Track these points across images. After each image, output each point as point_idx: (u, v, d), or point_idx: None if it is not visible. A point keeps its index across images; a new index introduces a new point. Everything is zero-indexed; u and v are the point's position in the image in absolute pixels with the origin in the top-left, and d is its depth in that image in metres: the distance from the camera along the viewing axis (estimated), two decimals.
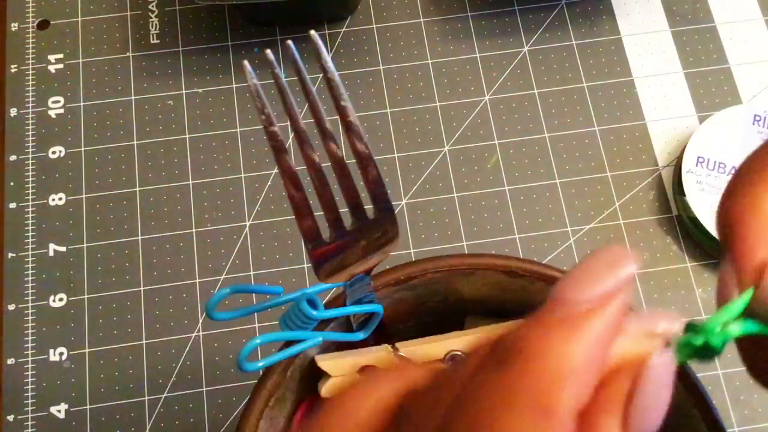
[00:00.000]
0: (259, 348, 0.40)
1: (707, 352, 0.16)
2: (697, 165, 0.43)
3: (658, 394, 0.15)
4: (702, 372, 0.41)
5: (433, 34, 0.49)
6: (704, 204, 0.42)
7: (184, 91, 0.47)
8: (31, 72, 0.47)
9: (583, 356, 0.15)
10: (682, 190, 0.43)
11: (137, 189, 0.45)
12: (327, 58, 0.26)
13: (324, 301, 0.29)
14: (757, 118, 0.44)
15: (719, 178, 0.43)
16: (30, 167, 0.45)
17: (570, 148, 0.46)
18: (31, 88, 0.47)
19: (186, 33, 0.48)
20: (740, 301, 0.16)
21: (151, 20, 0.49)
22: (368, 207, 0.27)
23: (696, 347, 0.16)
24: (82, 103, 0.46)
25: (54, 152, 0.45)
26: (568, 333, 0.15)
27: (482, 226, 0.44)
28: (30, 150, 0.45)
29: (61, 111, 0.46)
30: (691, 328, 0.16)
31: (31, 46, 0.48)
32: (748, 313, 0.16)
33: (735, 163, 0.43)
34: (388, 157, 0.45)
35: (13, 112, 0.46)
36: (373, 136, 0.46)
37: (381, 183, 0.26)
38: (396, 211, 0.44)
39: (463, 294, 0.33)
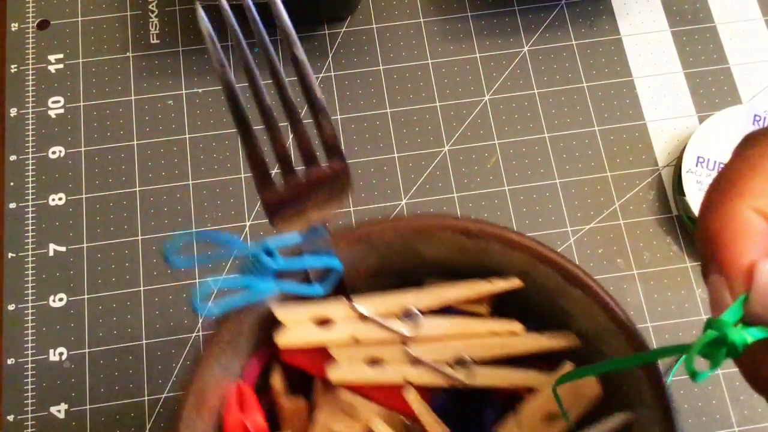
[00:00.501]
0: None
1: (726, 350, 0.16)
2: (697, 165, 0.43)
3: None
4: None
5: (433, 34, 0.49)
6: None
7: (184, 91, 0.47)
8: (31, 72, 0.47)
9: None
10: (682, 190, 0.43)
11: (137, 189, 0.45)
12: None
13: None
14: (757, 118, 0.44)
15: None
16: (30, 167, 0.45)
17: (570, 148, 0.46)
18: (31, 88, 0.47)
19: (186, 33, 0.48)
20: (737, 308, 0.17)
21: (151, 20, 0.49)
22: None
23: (714, 344, 0.17)
24: (82, 103, 0.46)
25: (54, 152, 0.45)
26: None
27: None
28: (30, 150, 0.45)
29: (61, 111, 0.46)
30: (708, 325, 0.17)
31: (31, 46, 0.48)
32: (746, 321, 0.17)
33: None
34: (388, 157, 0.45)
35: (13, 112, 0.46)
36: (373, 136, 0.46)
37: (334, 134, 0.27)
38: (396, 212, 0.44)
39: (425, 256, 0.33)
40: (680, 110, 0.47)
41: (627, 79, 0.48)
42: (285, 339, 0.31)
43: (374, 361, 0.32)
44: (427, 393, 0.32)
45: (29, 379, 0.41)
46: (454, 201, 0.45)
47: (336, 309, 0.32)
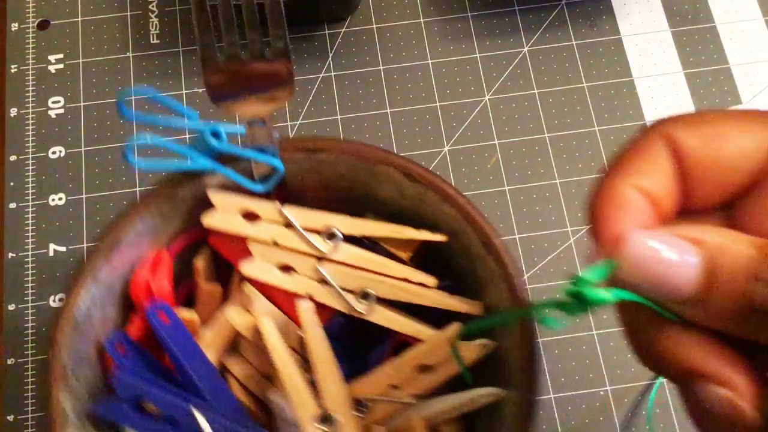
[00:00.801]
0: None
1: (580, 304, 0.19)
2: None
3: None
4: None
5: (433, 34, 0.49)
6: None
7: (184, 91, 0.47)
8: (31, 72, 0.47)
9: None
10: None
11: (137, 189, 0.45)
12: None
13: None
14: None
15: None
16: (30, 167, 0.45)
17: (570, 148, 0.46)
18: (31, 88, 0.47)
19: (186, 33, 0.48)
20: (602, 266, 0.19)
21: (151, 20, 0.49)
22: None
23: (572, 298, 0.19)
24: (82, 103, 0.46)
25: (54, 152, 0.45)
26: None
27: None
28: (30, 150, 0.45)
29: (61, 111, 0.46)
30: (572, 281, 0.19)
31: (31, 46, 0.48)
32: (618, 284, 0.19)
33: None
34: None
35: (13, 112, 0.46)
36: (373, 136, 0.46)
37: (282, 23, 0.28)
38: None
39: (368, 189, 0.34)
40: (680, 110, 0.47)
41: (627, 79, 0.48)
42: (211, 220, 0.33)
43: (286, 268, 0.33)
44: (326, 313, 0.33)
45: (29, 379, 0.41)
46: None
47: (266, 208, 0.33)
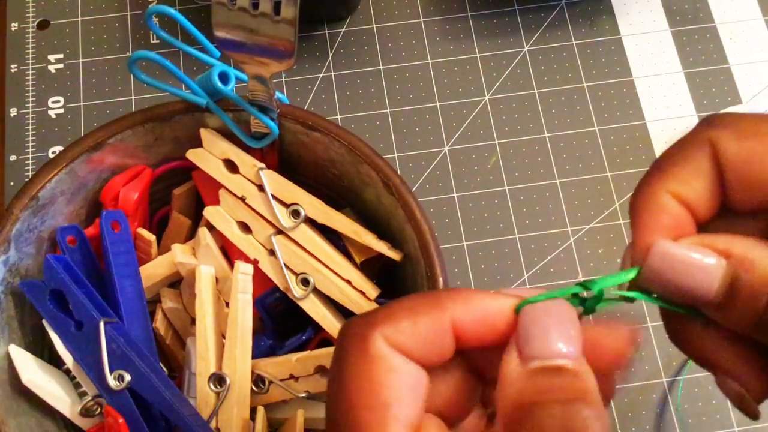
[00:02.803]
0: None
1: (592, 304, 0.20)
2: None
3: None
4: (703, 372, 0.41)
5: (433, 34, 0.49)
6: None
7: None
8: (31, 72, 0.47)
9: None
10: None
11: None
12: None
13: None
14: None
15: None
16: (30, 167, 0.45)
17: (570, 148, 0.46)
18: (31, 88, 0.47)
19: (186, 33, 0.48)
20: (627, 273, 0.20)
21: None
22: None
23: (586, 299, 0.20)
24: (82, 103, 0.46)
25: (54, 152, 0.45)
26: None
27: (482, 226, 0.44)
28: (30, 150, 0.45)
29: (61, 111, 0.46)
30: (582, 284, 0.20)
31: (31, 46, 0.48)
32: (636, 287, 0.20)
33: None
34: (388, 156, 0.45)
35: (13, 112, 0.46)
36: (373, 136, 0.46)
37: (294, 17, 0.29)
38: None
39: (354, 185, 0.35)
40: (680, 110, 0.47)
41: (627, 79, 0.48)
42: (193, 155, 0.34)
43: (245, 227, 0.34)
44: (265, 284, 0.34)
45: None
46: (454, 201, 0.45)
47: (247, 164, 0.34)
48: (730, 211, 0.21)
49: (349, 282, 0.33)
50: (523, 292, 0.19)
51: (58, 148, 0.45)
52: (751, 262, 0.19)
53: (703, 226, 0.21)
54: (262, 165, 0.33)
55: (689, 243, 0.19)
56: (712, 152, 0.20)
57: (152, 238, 0.35)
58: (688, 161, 0.20)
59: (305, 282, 0.33)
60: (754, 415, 0.20)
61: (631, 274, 0.20)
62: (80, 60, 0.48)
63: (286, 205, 0.33)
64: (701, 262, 0.19)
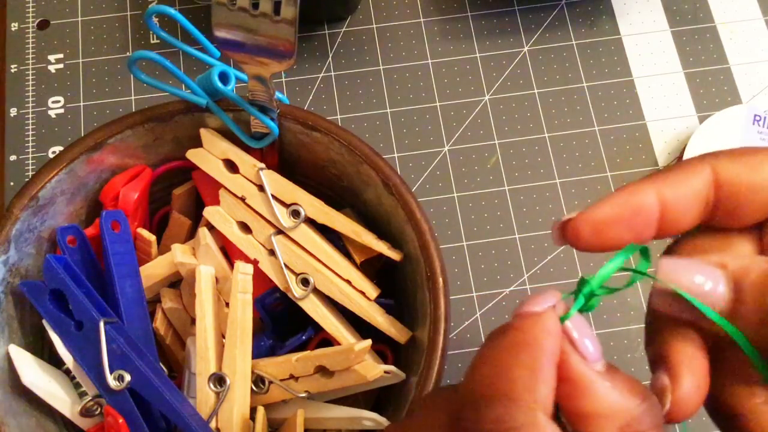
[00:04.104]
0: None
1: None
2: None
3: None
4: None
5: (433, 34, 0.48)
6: None
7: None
8: (31, 72, 0.47)
9: None
10: None
11: None
12: None
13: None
14: (757, 118, 0.44)
15: None
16: (30, 167, 0.45)
17: (570, 148, 0.46)
18: (31, 88, 0.47)
19: (186, 33, 0.48)
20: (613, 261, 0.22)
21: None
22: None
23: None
24: (82, 103, 0.46)
25: (54, 152, 0.45)
26: None
27: (482, 226, 0.44)
28: (30, 150, 0.45)
29: (61, 111, 0.46)
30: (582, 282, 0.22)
31: (31, 46, 0.48)
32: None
33: None
34: (388, 156, 0.45)
35: (13, 112, 0.46)
36: (373, 136, 0.46)
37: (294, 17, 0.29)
38: None
39: (354, 185, 0.35)
40: (680, 110, 0.47)
41: (627, 79, 0.48)
42: (193, 155, 0.34)
43: (245, 227, 0.34)
44: (265, 284, 0.34)
45: None
46: (454, 201, 0.45)
47: (248, 165, 0.34)
48: (723, 230, 0.22)
49: (349, 282, 0.33)
50: None
51: (58, 148, 0.45)
52: (747, 268, 0.20)
53: (682, 236, 0.22)
54: (262, 165, 0.33)
55: (689, 261, 0.21)
56: (711, 172, 0.21)
57: (152, 238, 0.35)
58: (684, 171, 0.22)
59: (305, 282, 0.33)
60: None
61: (618, 261, 0.22)
62: (80, 60, 0.48)
63: (286, 205, 0.33)
64: (709, 272, 0.20)
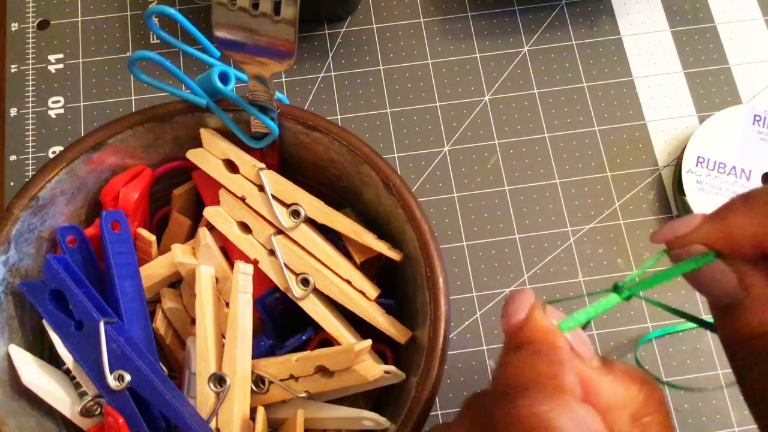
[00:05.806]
0: None
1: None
2: (697, 165, 0.43)
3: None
4: (703, 372, 0.41)
5: (433, 34, 0.49)
6: (704, 204, 0.42)
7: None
8: (31, 72, 0.47)
9: None
10: (682, 190, 0.43)
11: None
12: None
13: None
14: (757, 118, 0.44)
15: (719, 178, 0.43)
16: (30, 167, 0.45)
17: (570, 148, 0.46)
18: (31, 88, 0.47)
19: (186, 33, 0.48)
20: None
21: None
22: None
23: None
24: (82, 103, 0.46)
25: (54, 152, 0.45)
26: None
27: (482, 226, 0.44)
28: (30, 150, 0.45)
29: (61, 111, 0.46)
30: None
31: (31, 46, 0.48)
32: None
33: (735, 163, 0.43)
34: (388, 156, 0.45)
35: (13, 112, 0.46)
36: (373, 136, 0.46)
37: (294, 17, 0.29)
38: None
39: (354, 186, 0.35)
40: (680, 110, 0.47)
41: (627, 79, 0.48)
42: (193, 155, 0.34)
43: (245, 227, 0.34)
44: (265, 284, 0.34)
45: None
46: (454, 201, 0.45)
47: (248, 165, 0.34)
48: None
49: (349, 282, 0.33)
50: None
51: (58, 148, 0.45)
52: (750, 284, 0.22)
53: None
54: (262, 165, 0.33)
55: None
56: None
57: (152, 238, 0.35)
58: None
59: (305, 282, 0.33)
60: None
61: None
62: (80, 60, 0.48)
63: (286, 205, 0.33)
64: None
